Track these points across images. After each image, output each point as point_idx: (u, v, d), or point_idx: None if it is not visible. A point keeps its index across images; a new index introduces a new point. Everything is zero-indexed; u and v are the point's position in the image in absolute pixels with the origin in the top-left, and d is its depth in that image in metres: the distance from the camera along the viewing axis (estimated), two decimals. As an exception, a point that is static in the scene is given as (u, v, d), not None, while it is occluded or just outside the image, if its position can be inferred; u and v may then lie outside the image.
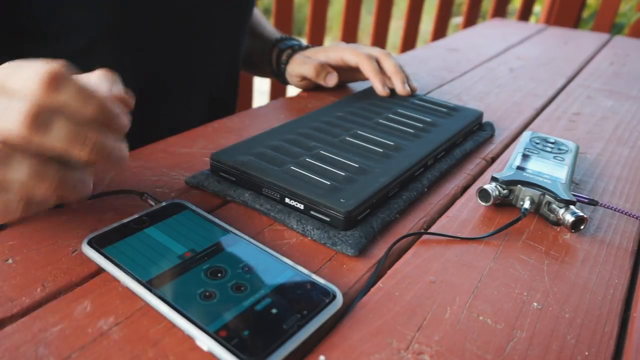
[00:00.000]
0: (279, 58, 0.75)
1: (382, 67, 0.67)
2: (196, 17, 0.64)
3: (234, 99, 0.78)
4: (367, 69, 0.65)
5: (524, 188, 0.43)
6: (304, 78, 0.71)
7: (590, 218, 0.45)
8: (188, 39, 0.64)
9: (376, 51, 0.68)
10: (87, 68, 0.57)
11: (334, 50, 0.69)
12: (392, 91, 0.66)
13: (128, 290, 0.31)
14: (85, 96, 0.29)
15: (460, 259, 0.37)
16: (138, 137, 0.53)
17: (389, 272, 0.35)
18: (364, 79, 0.70)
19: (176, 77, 0.65)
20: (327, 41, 1.65)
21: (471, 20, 2.03)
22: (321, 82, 0.68)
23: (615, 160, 0.57)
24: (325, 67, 0.68)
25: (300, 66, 0.69)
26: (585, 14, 2.36)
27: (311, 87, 0.73)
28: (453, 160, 0.52)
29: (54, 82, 0.29)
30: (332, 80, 0.68)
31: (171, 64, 0.64)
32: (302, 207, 0.40)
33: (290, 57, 0.73)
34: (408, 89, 0.66)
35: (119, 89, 0.34)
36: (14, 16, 0.52)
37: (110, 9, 0.55)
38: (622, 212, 0.45)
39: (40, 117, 0.28)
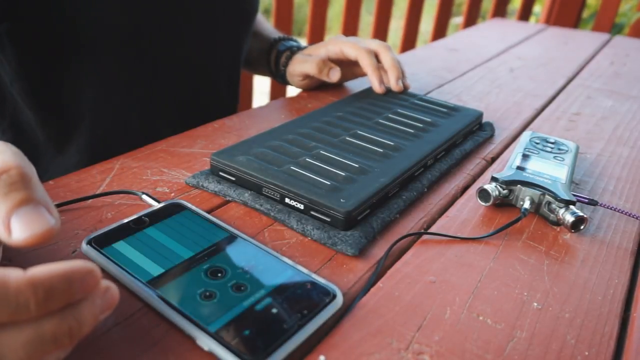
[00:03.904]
0: (277, 59, 0.75)
1: (380, 60, 0.67)
2: (200, 18, 0.64)
3: (236, 100, 0.78)
4: (366, 64, 0.65)
5: (524, 188, 0.43)
6: (306, 76, 0.70)
7: (590, 218, 0.45)
8: (191, 40, 0.64)
9: (376, 44, 0.68)
10: (91, 70, 0.57)
11: (334, 43, 0.68)
12: (392, 90, 0.67)
13: (128, 290, 0.31)
14: (15, 304, 0.20)
15: (460, 259, 0.37)
16: (140, 137, 0.53)
17: (389, 272, 0.35)
18: (364, 74, 0.70)
19: (178, 78, 0.65)
20: (327, 41, 1.65)
21: (471, 20, 2.03)
22: (324, 78, 0.67)
23: (615, 160, 0.57)
24: (327, 63, 0.67)
25: (302, 65, 0.69)
26: (585, 14, 2.36)
27: (313, 87, 0.73)
28: (453, 160, 0.52)
29: None
30: (335, 75, 0.67)
31: (174, 65, 0.64)
32: (302, 207, 0.40)
33: (289, 58, 0.73)
34: (401, 85, 0.66)
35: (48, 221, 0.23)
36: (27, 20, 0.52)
37: (116, 14, 0.55)
38: (622, 212, 0.45)
39: None
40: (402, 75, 0.67)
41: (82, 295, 0.21)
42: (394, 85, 0.66)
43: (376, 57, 0.67)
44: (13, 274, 0.20)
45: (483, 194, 0.44)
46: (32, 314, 0.20)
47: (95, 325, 0.23)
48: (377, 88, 0.65)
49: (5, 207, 0.22)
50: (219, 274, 0.32)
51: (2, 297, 0.19)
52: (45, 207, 0.23)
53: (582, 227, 0.41)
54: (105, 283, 0.23)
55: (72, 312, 0.21)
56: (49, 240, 0.23)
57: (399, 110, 0.59)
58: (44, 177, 0.59)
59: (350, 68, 0.71)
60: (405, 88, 0.67)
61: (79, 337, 0.22)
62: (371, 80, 0.65)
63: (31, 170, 0.24)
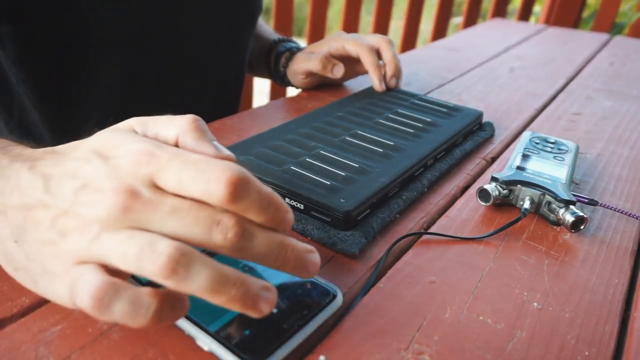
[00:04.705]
0: (277, 61, 0.75)
1: (381, 55, 0.68)
2: (206, 18, 0.64)
3: (238, 101, 0.78)
4: (367, 62, 0.66)
5: (524, 188, 0.43)
6: (309, 74, 0.70)
7: (590, 218, 0.45)
8: (198, 39, 0.64)
9: (377, 39, 0.68)
10: (97, 70, 0.57)
11: (336, 40, 0.68)
12: (392, 90, 0.67)
13: (128, 290, 0.31)
14: (267, 201, 0.25)
15: (460, 259, 0.37)
16: None
17: (389, 272, 0.35)
18: (366, 72, 0.70)
19: (185, 77, 0.65)
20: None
21: (471, 20, 2.03)
22: (328, 74, 0.67)
23: (615, 160, 0.57)
24: (330, 60, 0.67)
25: (305, 62, 0.69)
26: (585, 14, 2.36)
27: (315, 85, 0.73)
28: (453, 160, 0.52)
29: (241, 190, 0.24)
30: (339, 71, 0.67)
31: (180, 65, 0.64)
32: (302, 207, 0.40)
33: (289, 59, 0.73)
34: (394, 83, 0.67)
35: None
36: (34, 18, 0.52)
37: (121, 13, 0.55)
38: (622, 212, 0.45)
39: (245, 232, 0.24)
40: (398, 74, 0.67)
41: (286, 226, 0.26)
42: (388, 80, 0.67)
43: (377, 52, 0.68)
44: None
45: (483, 194, 0.44)
46: (276, 221, 0.26)
47: (298, 271, 0.26)
48: (378, 86, 0.65)
49: (207, 140, 0.28)
50: (219, 274, 0.32)
51: (268, 198, 0.25)
52: None
53: (582, 227, 0.41)
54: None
55: (289, 238, 0.26)
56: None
57: (399, 110, 0.59)
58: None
59: (351, 65, 0.71)
60: (396, 87, 0.68)
61: (294, 258, 0.26)
62: (372, 78, 0.66)
63: None
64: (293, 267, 0.26)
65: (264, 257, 0.25)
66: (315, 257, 0.27)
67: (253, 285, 0.24)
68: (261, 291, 0.25)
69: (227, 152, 0.29)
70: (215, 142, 0.29)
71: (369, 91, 0.66)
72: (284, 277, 0.32)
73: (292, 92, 0.88)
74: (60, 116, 0.60)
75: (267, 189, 0.26)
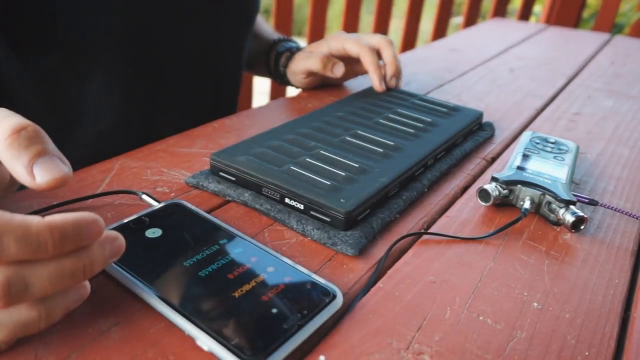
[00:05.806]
0: (277, 60, 0.75)
1: (381, 55, 0.68)
2: (202, 18, 0.64)
3: (236, 101, 0.78)
4: (367, 62, 0.65)
5: (524, 188, 0.43)
6: (309, 73, 0.69)
7: (590, 218, 0.45)
8: (194, 39, 0.64)
9: (377, 39, 0.68)
10: (93, 69, 0.57)
11: (336, 40, 0.68)
12: (392, 90, 0.67)
13: (128, 290, 0.31)
14: (32, 240, 0.23)
15: (460, 259, 0.37)
16: (142, 136, 0.53)
17: (389, 272, 0.35)
18: (365, 72, 0.69)
19: (181, 77, 0.65)
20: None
21: (471, 20, 2.03)
22: (328, 73, 0.67)
23: (615, 160, 0.57)
24: (330, 59, 0.67)
25: (304, 61, 0.69)
26: (586, 13, 2.36)
27: (315, 85, 0.73)
28: (453, 160, 0.52)
29: None
30: (339, 70, 0.66)
31: (177, 64, 0.64)
32: (302, 207, 0.40)
33: (289, 59, 0.72)
34: (394, 83, 0.67)
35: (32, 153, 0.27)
36: (28, 24, 0.52)
37: (118, 13, 0.55)
38: (622, 212, 0.45)
39: (8, 287, 0.23)
40: (398, 74, 0.67)
41: (90, 240, 0.25)
42: (387, 80, 0.67)
43: (378, 52, 0.68)
44: (35, 219, 0.24)
45: (483, 194, 0.44)
46: (50, 252, 0.24)
47: (105, 266, 0.26)
48: (377, 86, 0.65)
49: (27, 157, 0.27)
50: (219, 274, 0.32)
51: (25, 237, 0.23)
52: (59, 158, 0.28)
53: (582, 227, 0.41)
54: (114, 234, 0.27)
55: (86, 253, 0.25)
56: (65, 184, 0.27)
57: (399, 110, 0.59)
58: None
59: (351, 65, 0.71)
60: (396, 87, 0.68)
61: (91, 274, 0.26)
62: (372, 79, 0.66)
63: (41, 129, 0.29)
64: (95, 272, 0.26)
65: (55, 291, 0.25)
66: (119, 244, 0.27)
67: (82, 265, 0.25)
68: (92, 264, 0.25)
69: (62, 171, 0.27)
70: (41, 159, 0.27)
71: (369, 91, 0.66)
72: (283, 278, 0.32)
73: (292, 92, 0.88)
74: (56, 113, 0.59)
75: (33, 223, 0.23)
